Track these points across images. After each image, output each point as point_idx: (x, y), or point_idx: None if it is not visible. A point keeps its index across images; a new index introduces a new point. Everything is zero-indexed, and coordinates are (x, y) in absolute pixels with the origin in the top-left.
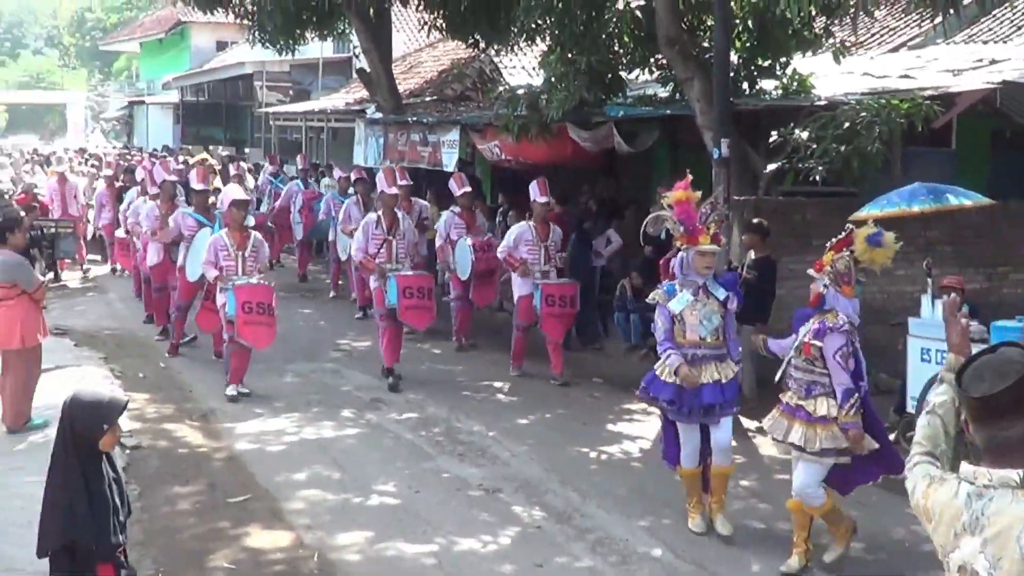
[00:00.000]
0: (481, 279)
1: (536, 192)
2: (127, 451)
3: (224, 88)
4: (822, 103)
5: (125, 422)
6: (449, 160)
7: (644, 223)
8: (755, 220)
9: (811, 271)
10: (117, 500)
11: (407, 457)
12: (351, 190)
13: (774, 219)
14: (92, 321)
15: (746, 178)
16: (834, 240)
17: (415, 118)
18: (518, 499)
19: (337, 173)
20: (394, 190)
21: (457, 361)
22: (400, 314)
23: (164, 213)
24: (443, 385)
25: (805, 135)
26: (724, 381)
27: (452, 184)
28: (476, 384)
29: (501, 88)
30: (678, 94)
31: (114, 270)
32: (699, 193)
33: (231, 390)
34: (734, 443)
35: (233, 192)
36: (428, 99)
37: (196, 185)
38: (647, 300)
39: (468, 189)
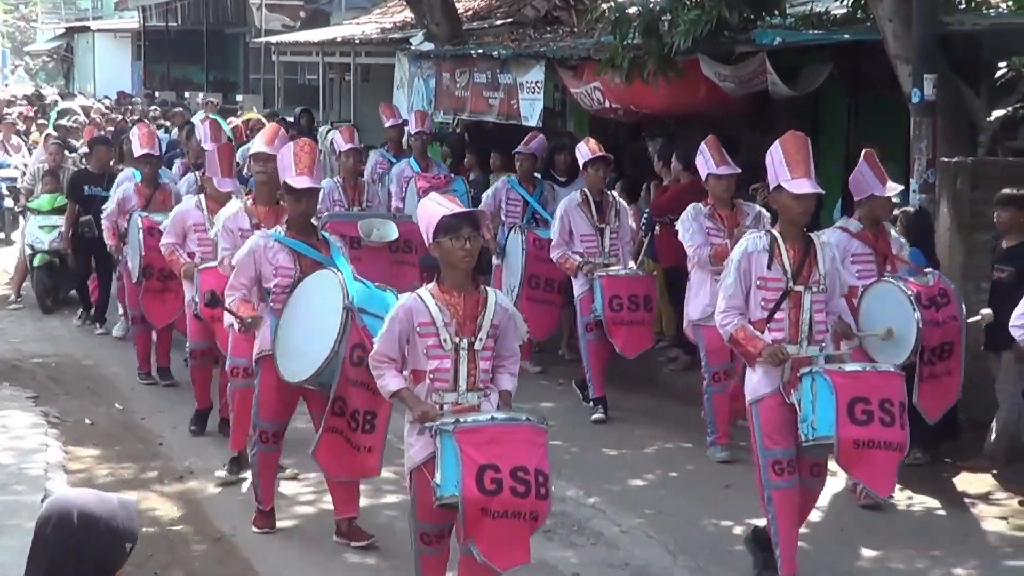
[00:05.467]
0: None
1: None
2: None
3: (205, 9)
4: None
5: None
6: (530, 111)
7: None
8: (1012, 191)
9: None
10: None
11: None
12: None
13: (1001, 189)
14: (13, 346)
15: (961, 131)
16: None
17: (481, 50)
18: None
19: None
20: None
21: (543, 394)
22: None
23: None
24: None
25: None
26: None
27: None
28: (569, 430)
29: (604, 6)
30: (860, 11)
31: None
32: None
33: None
34: None
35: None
36: (499, 23)
37: (293, 178)
38: None
39: None
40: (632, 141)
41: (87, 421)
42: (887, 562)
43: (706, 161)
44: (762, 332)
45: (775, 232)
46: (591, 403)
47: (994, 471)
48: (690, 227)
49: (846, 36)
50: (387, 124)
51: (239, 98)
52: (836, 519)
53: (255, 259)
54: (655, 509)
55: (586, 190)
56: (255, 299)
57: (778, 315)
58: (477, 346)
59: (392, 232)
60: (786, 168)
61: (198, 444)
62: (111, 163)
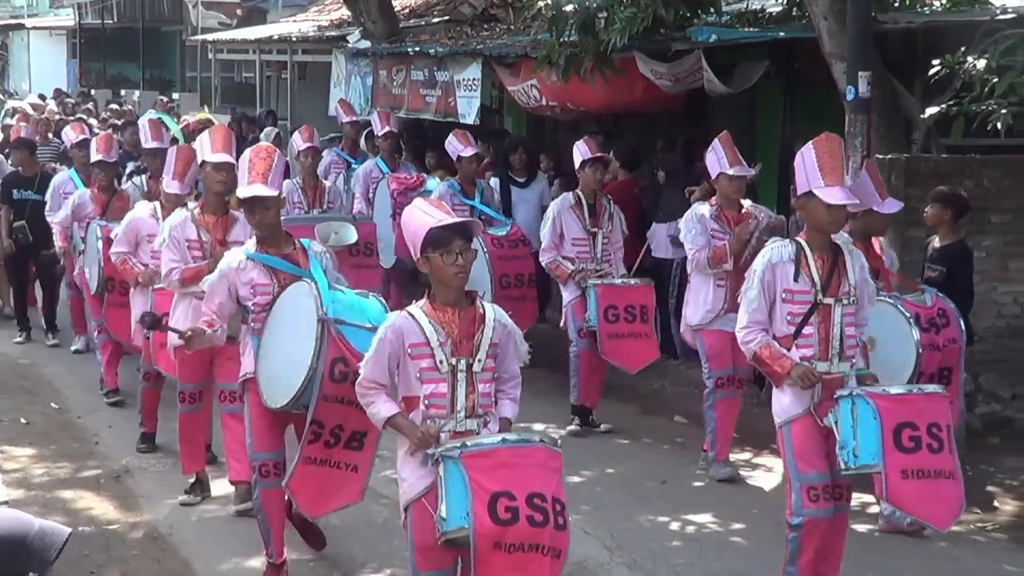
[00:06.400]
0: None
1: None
2: None
3: (141, 6)
4: (1008, 15)
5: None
6: (468, 108)
7: None
8: (944, 189)
9: None
10: None
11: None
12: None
13: (936, 186)
14: None
15: (895, 128)
16: None
17: (418, 48)
18: None
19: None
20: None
21: None
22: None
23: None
24: None
25: (982, 64)
26: None
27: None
28: None
29: (541, 3)
30: (796, 9)
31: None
32: None
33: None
34: None
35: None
36: (436, 21)
37: (242, 188)
38: None
39: None
40: (569, 139)
41: (22, 420)
42: None
43: (718, 159)
44: (789, 349)
45: (801, 241)
46: (579, 422)
47: None
48: (693, 228)
49: (782, 34)
50: (344, 120)
51: (176, 96)
52: (772, 515)
53: (228, 282)
54: (592, 505)
55: (579, 192)
56: (224, 322)
57: (806, 330)
58: (476, 367)
59: (351, 235)
60: (819, 174)
61: (135, 443)
62: (42, 164)
